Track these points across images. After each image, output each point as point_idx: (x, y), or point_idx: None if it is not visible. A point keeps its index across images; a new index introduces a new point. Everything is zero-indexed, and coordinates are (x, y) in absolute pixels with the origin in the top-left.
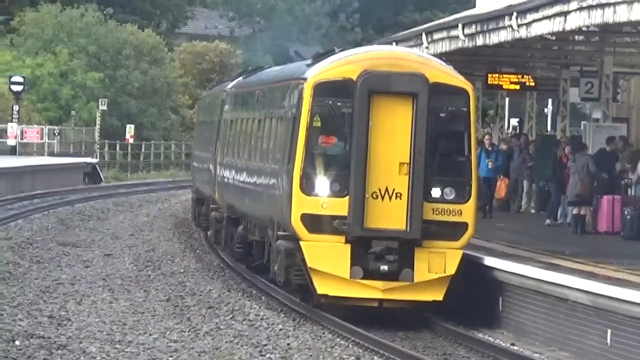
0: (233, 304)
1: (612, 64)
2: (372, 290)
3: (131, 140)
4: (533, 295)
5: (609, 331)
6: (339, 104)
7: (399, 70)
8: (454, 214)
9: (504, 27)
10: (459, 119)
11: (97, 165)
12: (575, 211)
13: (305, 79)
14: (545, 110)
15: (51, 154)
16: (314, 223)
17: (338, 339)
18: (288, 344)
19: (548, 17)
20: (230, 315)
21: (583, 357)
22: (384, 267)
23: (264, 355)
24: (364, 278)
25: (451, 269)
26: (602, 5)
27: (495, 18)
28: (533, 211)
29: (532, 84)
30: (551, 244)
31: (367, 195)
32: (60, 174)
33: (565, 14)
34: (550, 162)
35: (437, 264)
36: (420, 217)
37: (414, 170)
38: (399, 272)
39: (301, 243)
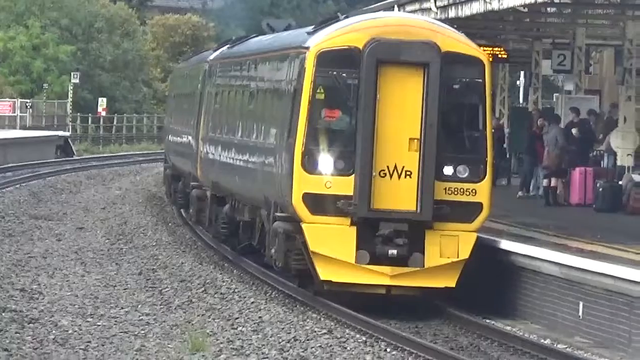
0: (205, 277)
1: (585, 36)
2: (379, 276)
3: (103, 114)
4: (507, 268)
5: (581, 303)
6: (344, 74)
7: (409, 39)
8: (467, 193)
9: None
10: (473, 91)
11: (69, 139)
12: (545, 183)
13: (307, 48)
14: (518, 82)
15: (23, 127)
16: (317, 203)
17: (310, 312)
18: (260, 317)
19: None
20: (202, 289)
21: (555, 330)
22: (393, 252)
23: (236, 328)
24: (370, 263)
25: (464, 253)
26: None
27: None
28: None
29: (505, 56)
30: (523, 216)
31: (374, 174)
32: (33, 147)
33: None
34: (524, 134)
35: (450, 247)
36: (431, 197)
37: (425, 147)
38: (408, 256)
39: (302, 225)
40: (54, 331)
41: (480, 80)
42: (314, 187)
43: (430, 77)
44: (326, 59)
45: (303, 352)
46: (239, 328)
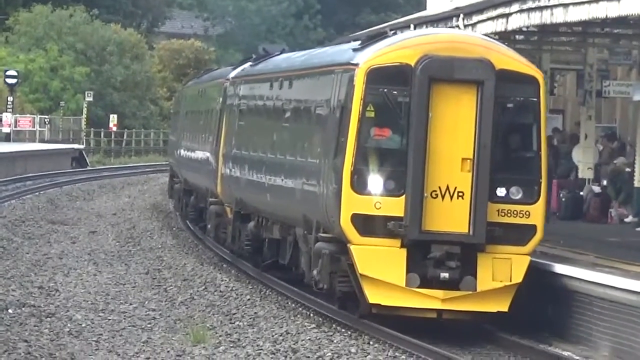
0: (206, 276)
1: (550, 60)
2: (430, 300)
3: (114, 129)
4: None
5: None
6: (394, 92)
7: (462, 55)
8: (521, 215)
9: (452, 27)
10: (528, 111)
11: (83, 151)
12: None
13: (356, 65)
14: None
15: (42, 140)
16: (366, 225)
17: (300, 308)
18: (255, 312)
19: (491, 19)
20: (203, 287)
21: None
22: (445, 275)
23: (233, 323)
24: (421, 286)
25: (518, 277)
26: (540, 8)
27: (443, 19)
28: None
29: None
30: None
31: (425, 195)
32: (50, 159)
33: (507, 15)
34: None
35: (502, 271)
36: (484, 219)
37: (479, 167)
38: (460, 280)
39: (350, 247)
40: (69, 324)
41: (535, 99)
42: (363, 208)
43: (484, 96)
44: (376, 76)
45: (294, 344)
46: (236, 322)
